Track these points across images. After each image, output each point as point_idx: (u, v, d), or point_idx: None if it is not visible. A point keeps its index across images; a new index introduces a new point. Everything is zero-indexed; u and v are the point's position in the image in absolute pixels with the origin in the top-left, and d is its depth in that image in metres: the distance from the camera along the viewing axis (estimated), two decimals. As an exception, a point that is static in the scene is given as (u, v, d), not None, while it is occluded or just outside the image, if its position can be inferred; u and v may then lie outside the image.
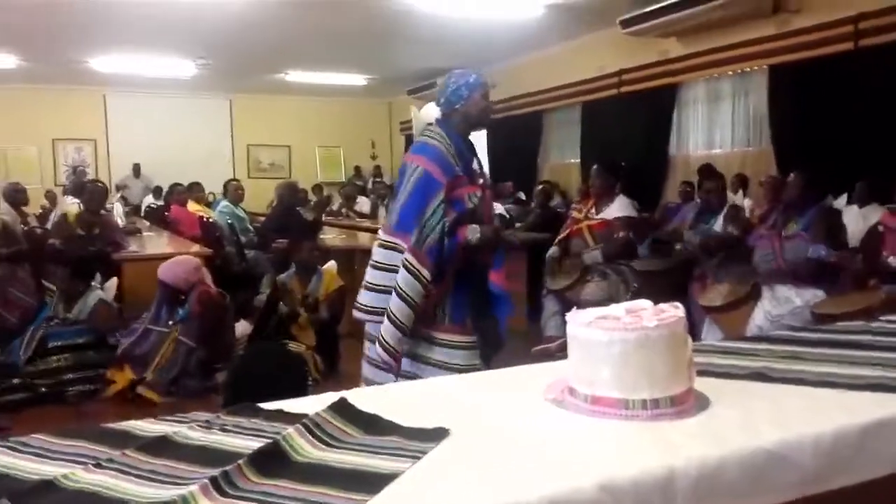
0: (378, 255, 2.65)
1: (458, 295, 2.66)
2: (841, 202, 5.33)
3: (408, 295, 2.52)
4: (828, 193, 4.08)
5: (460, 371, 2.55)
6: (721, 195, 4.67)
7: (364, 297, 2.67)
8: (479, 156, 2.78)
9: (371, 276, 2.66)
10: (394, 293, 2.53)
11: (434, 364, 2.62)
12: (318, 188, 11.92)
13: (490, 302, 2.74)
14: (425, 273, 2.51)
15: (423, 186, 2.55)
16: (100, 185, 5.83)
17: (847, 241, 3.93)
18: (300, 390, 1.65)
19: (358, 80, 11.25)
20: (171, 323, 4.29)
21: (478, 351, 2.68)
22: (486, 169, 2.86)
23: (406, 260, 2.52)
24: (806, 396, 1.36)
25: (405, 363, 2.63)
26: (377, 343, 2.56)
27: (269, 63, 10.35)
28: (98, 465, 1.10)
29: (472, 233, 2.58)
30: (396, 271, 2.53)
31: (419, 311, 2.55)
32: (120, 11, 7.04)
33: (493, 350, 2.78)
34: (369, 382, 2.62)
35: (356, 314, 2.71)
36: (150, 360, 4.15)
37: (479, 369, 2.61)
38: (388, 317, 2.53)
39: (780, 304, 3.56)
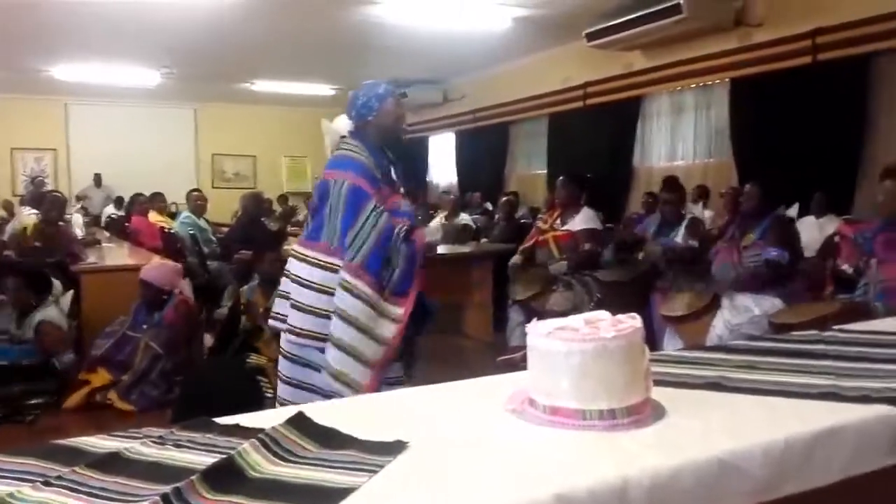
0: (309, 273, 2.56)
1: None
2: (793, 211, 5.46)
3: (351, 318, 2.44)
4: (781, 204, 4.18)
5: (387, 384, 2.51)
6: (679, 208, 4.75)
7: (295, 319, 2.56)
8: (397, 165, 2.73)
9: (301, 295, 2.56)
10: (337, 319, 2.45)
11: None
12: (283, 198, 11.86)
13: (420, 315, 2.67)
14: (363, 288, 2.44)
15: (352, 199, 2.50)
16: (58, 195, 5.71)
17: (801, 249, 4.02)
18: (256, 405, 1.63)
19: (325, 90, 11.23)
20: (144, 327, 4.26)
21: (400, 363, 2.63)
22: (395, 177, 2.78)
23: (343, 280, 2.46)
24: (760, 405, 1.38)
25: (321, 380, 2.52)
26: (336, 379, 2.46)
27: (235, 72, 10.29)
28: (46, 483, 1.07)
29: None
30: (324, 291, 2.49)
31: (384, 338, 2.47)
32: (82, 19, 6.94)
33: (411, 363, 2.73)
34: (284, 403, 2.51)
35: (271, 322, 2.65)
36: (130, 366, 4.12)
37: (403, 382, 2.61)
38: (344, 350, 2.45)
39: (740, 312, 3.63)
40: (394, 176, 2.70)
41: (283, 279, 2.69)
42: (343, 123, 2.71)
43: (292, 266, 2.63)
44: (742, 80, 6.43)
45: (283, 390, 2.62)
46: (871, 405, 1.33)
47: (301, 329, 2.55)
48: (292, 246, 2.74)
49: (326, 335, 2.48)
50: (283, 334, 2.63)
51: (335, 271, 2.49)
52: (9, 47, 8.32)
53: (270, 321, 2.68)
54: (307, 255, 2.58)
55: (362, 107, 2.62)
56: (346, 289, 2.45)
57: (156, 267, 4.49)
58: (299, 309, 2.55)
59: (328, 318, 2.48)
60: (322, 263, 2.54)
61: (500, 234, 7.01)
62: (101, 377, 4.13)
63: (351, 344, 2.45)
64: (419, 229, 2.59)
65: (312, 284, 2.53)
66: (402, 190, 2.71)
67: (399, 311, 2.51)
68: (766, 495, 1.17)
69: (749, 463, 1.15)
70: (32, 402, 3.99)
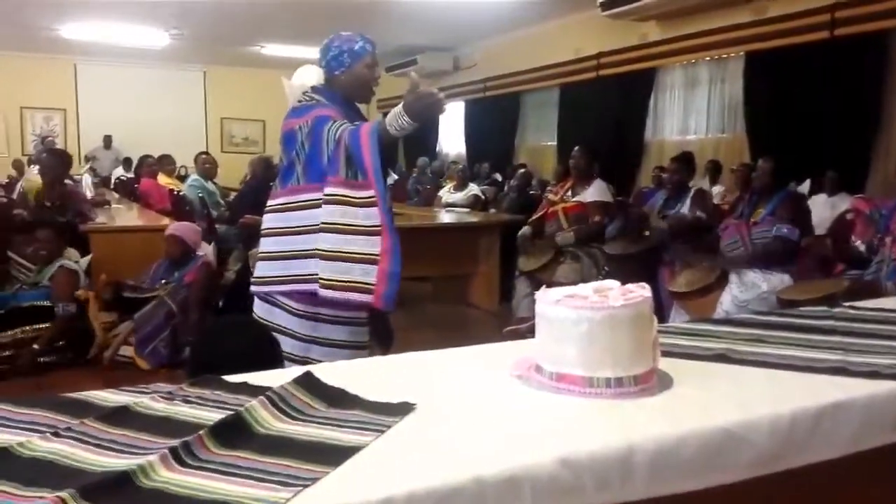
0: (270, 221, 2.50)
1: None
2: (804, 187, 5.42)
3: (332, 224, 2.32)
4: (791, 180, 4.14)
5: (350, 348, 2.45)
6: (685, 181, 4.73)
7: (258, 269, 2.52)
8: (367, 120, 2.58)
9: (262, 245, 2.51)
10: (324, 234, 2.33)
11: (322, 343, 2.47)
12: (293, 164, 11.81)
13: None
14: (335, 190, 2.31)
15: (320, 126, 2.34)
16: (55, 153, 5.68)
17: (811, 225, 4.00)
18: (273, 364, 1.63)
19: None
20: (163, 281, 4.31)
21: (366, 328, 2.52)
22: None
23: (324, 195, 2.33)
24: (767, 378, 1.38)
25: (291, 344, 2.43)
26: (332, 289, 2.33)
27: (245, 36, 10.20)
28: (55, 434, 1.08)
29: (387, 126, 2.24)
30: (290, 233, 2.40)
31: (367, 228, 2.31)
32: (91, -23, 6.88)
33: (385, 342, 2.64)
34: (294, 359, 2.37)
35: (252, 288, 2.57)
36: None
37: (367, 347, 2.52)
38: (332, 258, 2.32)
39: (748, 289, 3.62)
40: None
41: (261, 240, 2.59)
42: (306, 75, 2.57)
43: (266, 221, 2.54)
44: (757, 54, 6.34)
45: (291, 345, 2.49)
46: (880, 381, 1.33)
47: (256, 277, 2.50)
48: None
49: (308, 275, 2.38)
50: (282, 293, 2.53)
51: (310, 207, 2.39)
52: (17, 5, 8.26)
53: (252, 287, 2.58)
54: (283, 203, 2.49)
55: (333, 59, 2.48)
56: (326, 201, 2.34)
57: (184, 225, 4.64)
58: (292, 257, 2.46)
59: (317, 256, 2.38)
60: (295, 204, 2.44)
61: (510, 205, 6.99)
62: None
63: (340, 249, 2.32)
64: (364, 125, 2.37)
65: (295, 228, 2.44)
66: None
67: (370, 192, 2.31)
68: (771, 467, 1.17)
69: (755, 434, 1.15)
70: (46, 359, 4.02)
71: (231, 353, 1.78)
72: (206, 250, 4.70)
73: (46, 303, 4.18)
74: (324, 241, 2.35)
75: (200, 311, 4.30)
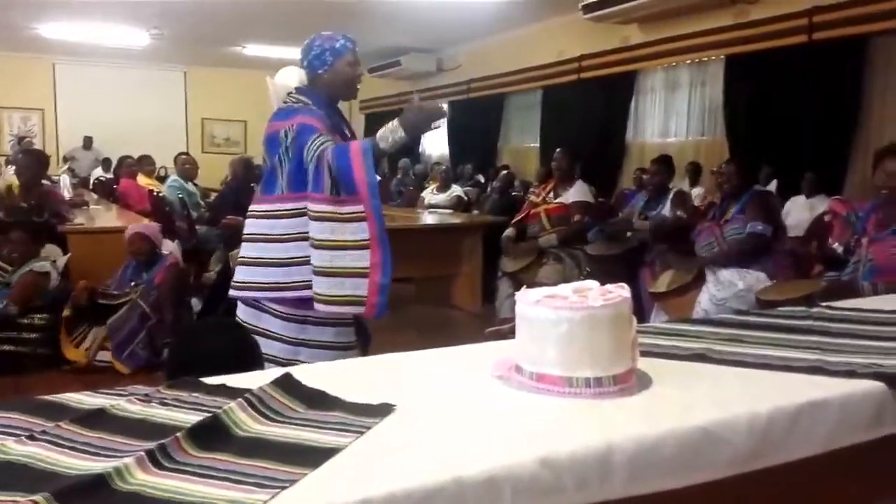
0: (250, 226, 2.50)
1: None
2: (771, 187, 5.50)
3: (321, 241, 2.33)
4: (757, 181, 4.24)
5: (338, 349, 2.46)
6: (664, 183, 4.78)
7: (238, 274, 2.53)
8: (349, 125, 2.63)
9: (243, 250, 2.51)
10: (315, 251, 2.34)
11: (311, 345, 2.47)
12: (274, 165, 11.76)
13: None
14: (321, 208, 2.31)
15: (303, 137, 2.34)
16: (31, 153, 5.62)
17: (782, 222, 4.06)
18: (252, 366, 1.61)
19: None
20: (132, 284, 4.26)
21: (353, 328, 2.53)
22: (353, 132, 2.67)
23: (310, 211, 2.34)
24: (745, 378, 1.39)
25: (278, 348, 2.46)
26: (332, 305, 2.35)
27: (226, 36, 10.14)
28: (31, 437, 1.06)
29: (380, 140, 2.28)
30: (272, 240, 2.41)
31: (358, 242, 2.32)
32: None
33: (363, 342, 2.64)
34: (279, 362, 2.36)
35: (231, 292, 2.57)
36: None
37: (354, 347, 2.54)
38: (326, 274, 2.33)
39: (724, 287, 3.65)
40: (346, 132, 2.58)
41: (243, 245, 2.57)
42: (288, 76, 2.57)
43: (249, 227, 2.54)
44: (737, 58, 6.40)
45: (279, 349, 2.49)
46: (857, 380, 1.34)
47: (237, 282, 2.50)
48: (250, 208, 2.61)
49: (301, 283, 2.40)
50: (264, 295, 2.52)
51: (294, 216, 2.39)
52: (-4, 3, 8.16)
53: (231, 291, 2.57)
54: (267, 210, 2.48)
55: (315, 58, 2.48)
56: (312, 217, 2.35)
57: (144, 224, 4.59)
58: (267, 265, 2.47)
59: (302, 264, 2.40)
60: (280, 212, 2.44)
61: (493, 207, 7.00)
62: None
63: (331, 265, 2.33)
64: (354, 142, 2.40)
65: (280, 236, 2.44)
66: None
67: (357, 207, 2.31)
68: (749, 465, 1.18)
69: (733, 433, 1.16)
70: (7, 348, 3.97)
71: (210, 354, 1.76)
72: (171, 248, 4.65)
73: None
74: (316, 257, 2.36)
75: (174, 311, 4.25)
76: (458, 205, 7.30)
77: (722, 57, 6.60)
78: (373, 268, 2.32)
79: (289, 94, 2.52)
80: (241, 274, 2.56)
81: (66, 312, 4.17)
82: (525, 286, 1.41)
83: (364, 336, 2.66)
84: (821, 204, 5.35)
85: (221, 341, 1.87)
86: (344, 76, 2.50)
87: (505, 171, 8.02)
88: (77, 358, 4.08)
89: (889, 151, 3.14)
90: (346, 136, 2.56)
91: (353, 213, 2.32)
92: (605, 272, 4.21)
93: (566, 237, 4.69)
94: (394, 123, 2.28)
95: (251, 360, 1.84)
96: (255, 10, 8.40)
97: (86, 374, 3.99)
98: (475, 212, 7.17)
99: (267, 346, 2.36)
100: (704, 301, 3.67)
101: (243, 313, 2.57)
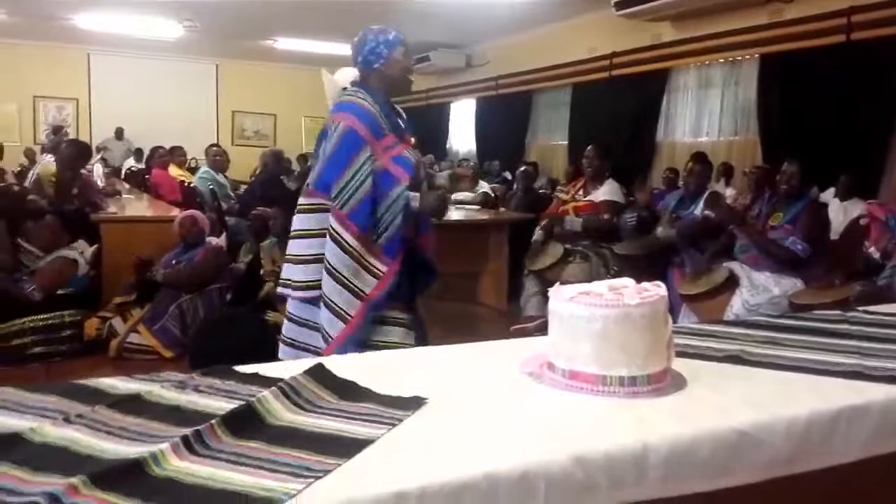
0: (297, 222, 2.44)
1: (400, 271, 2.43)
2: (827, 196, 5.36)
3: (334, 269, 2.29)
4: (814, 186, 4.05)
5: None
6: (704, 181, 4.70)
7: (289, 272, 2.46)
8: (404, 117, 2.60)
9: (292, 247, 2.45)
10: (324, 270, 2.32)
11: (365, 344, 2.39)
12: (302, 158, 11.83)
13: (416, 273, 2.54)
14: (348, 239, 2.28)
15: (346, 142, 2.33)
16: (75, 144, 5.71)
17: (829, 237, 3.93)
18: (269, 359, 1.62)
19: (347, 50, 11.02)
20: (174, 263, 4.35)
21: (412, 332, 2.48)
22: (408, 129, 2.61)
23: (330, 226, 2.31)
24: (781, 381, 1.36)
25: (289, 354, 2.42)
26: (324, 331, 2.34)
27: (258, 29, 10.20)
28: (67, 420, 1.08)
29: (412, 200, 2.38)
30: (321, 235, 2.35)
31: (363, 291, 2.31)
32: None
33: (421, 333, 2.58)
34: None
35: (279, 290, 2.53)
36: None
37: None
38: (323, 301, 2.33)
39: (759, 292, 3.59)
40: (402, 125, 2.56)
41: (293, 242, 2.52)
42: (345, 75, 2.57)
43: (294, 223, 2.51)
44: (772, 57, 6.29)
45: (283, 351, 2.48)
46: (896, 386, 1.31)
47: (297, 282, 2.44)
48: None
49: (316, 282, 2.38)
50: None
51: (317, 211, 2.38)
52: (33, -6, 8.30)
53: (279, 289, 2.55)
54: (301, 205, 2.47)
55: (370, 53, 2.46)
56: (332, 238, 2.32)
57: (198, 212, 4.79)
58: (295, 262, 2.45)
59: (317, 262, 2.38)
60: (306, 207, 2.43)
61: (518, 204, 6.97)
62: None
63: (329, 295, 2.32)
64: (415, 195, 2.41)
65: (301, 232, 2.43)
66: (412, 141, 2.56)
67: (383, 267, 2.34)
68: (787, 469, 1.16)
69: (770, 436, 1.14)
70: (39, 350, 4.01)
71: (228, 347, 1.77)
72: (219, 241, 4.76)
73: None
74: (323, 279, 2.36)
75: (207, 292, 4.28)
76: (485, 202, 7.28)
77: (756, 56, 6.48)
78: (373, 289, 2.34)
79: (344, 89, 2.52)
80: (293, 273, 2.47)
81: (118, 299, 4.26)
82: (551, 285, 1.39)
83: (421, 337, 2.59)
84: (854, 207, 5.23)
85: (240, 334, 1.88)
86: (400, 66, 2.50)
87: (524, 168, 7.96)
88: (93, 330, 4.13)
89: None
90: (402, 131, 2.53)
91: (376, 268, 2.35)
92: (633, 271, 4.15)
93: (591, 227, 4.61)
94: (418, 198, 2.39)
95: (268, 353, 1.85)
96: (287, 5, 8.44)
97: (117, 358, 4.03)
98: (502, 209, 7.15)
99: (316, 340, 2.38)
100: (737, 305, 3.60)
101: (298, 309, 2.48)
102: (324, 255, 2.35)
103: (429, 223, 2.57)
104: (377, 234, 2.35)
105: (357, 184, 2.31)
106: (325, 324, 2.34)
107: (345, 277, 2.31)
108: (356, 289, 2.32)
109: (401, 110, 2.63)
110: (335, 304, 2.32)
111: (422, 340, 2.51)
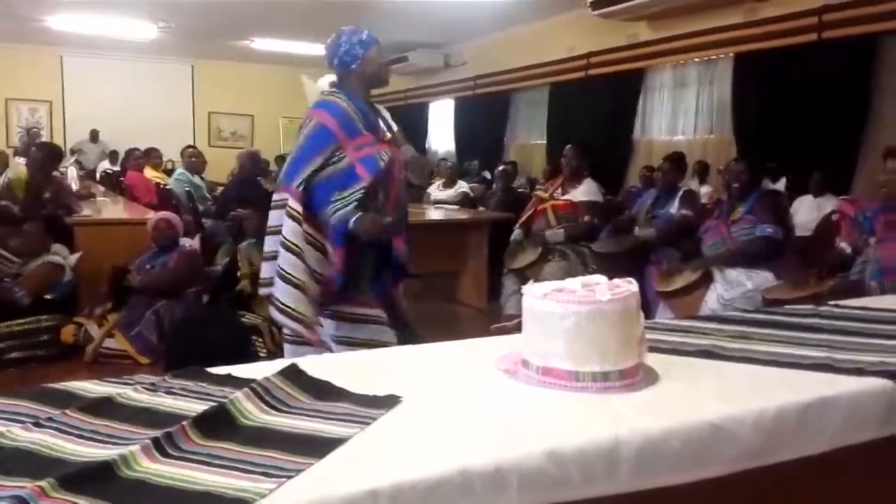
0: (269, 219, 2.50)
1: (363, 267, 2.51)
2: (780, 186, 5.46)
3: (291, 243, 2.36)
4: (766, 178, 4.19)
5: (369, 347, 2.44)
6: (677, 180, 4.75)
7: (263, 270, 2.51)
8: (385, 115, 2.64)
9: (266, 244, 2.51)
10: (280, 248, 2.39)
11: (338, 341, 2.46)
12: (280, 159, 11.75)
13: (384, 268, 2.60)
14: (301, 212, 2.37)
15: (315, 137, 2.43)
16: (46, 147, 5.64)
17: (791, 222, 4.03)
18: (247, 358, 1.62)
19: (324, 50, 11.07)
20: (149, 267, 4.30)
21: (386, 328, 2.52)
22: (394, 127, 2.65)
23: (288, 206, 2.38)
24: (752, 374, 1.38)
25: (291, 350, 2.48)
26: (283, 314, 2.40)
27: (234, 29, 10.13)
28: (37, 424, 1.07)
29: (352, 220, 2.40)
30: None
31: (314, 269, 2.40)
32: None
33: (407, 332, 2.62)
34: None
35: (260, 290, 2.56)
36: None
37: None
38: (279, 274, 2.39)
39: (732, 287, 3.63)
40: (381, 124, 2.59)
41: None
42: (326, 83, 2.64)
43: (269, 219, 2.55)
44: (746, 56, 6.36)
45: (287, 349, 2.53)
46: (865, 378, 1.34)
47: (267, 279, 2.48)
48: None
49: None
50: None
51: (285, 206, 2.42)
52: (4, -5, 8.18)
53: (260, 290, 2.57)
54: (273, 201, 2.51)
55: (345, 54, 2.52)
56: (289, 215, 2.39)
57: (172, 214, 4.73)
58: (268, 259, 2.49)
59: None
60: (276, 203, 2.46)
61: (497, 203, 6.99)
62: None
63: (294, 274, 2.38)
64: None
65: (273, 228, 2.47)
66: (390, 137, 2.58)
67: (329, 247, 2.43)
68: (757, 461, 1.17)
69: (740, 428, 1.16)
70: (16, 353, 3.96)
71: (206, 345, 1.77)
72: (192, 243, 4.70)
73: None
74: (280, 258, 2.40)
75: (183, 295, 4.25)
76: (465, 201, 7.28)
77: (731, 55, 6.55)
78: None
79: (322, 91, 2.59)
80: (265, 270, 2.52)
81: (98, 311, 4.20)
82: (531, 282, 1.40)
83: (409, 333, 2.63)
84: (828, 203, 5.31)
85: (217, 332, 1.88)
86: (375, 64, 2.55)
87: (503, 168, 7.98)
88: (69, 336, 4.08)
89: (890, 151, 3.13)
90: (378, 129, 2.56)
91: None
92: (612, 269, 4.17)
93: (574, 235, 4.66)
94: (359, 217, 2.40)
95: (245, 351, 1.86)
96: (264, 4, 8.39)
97: (93, 363, 3.98)
98: (481, 208, 7.16)
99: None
100: (712, 301, 3.65)
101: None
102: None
103: (400, 228, 2.57)
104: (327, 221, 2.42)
105: (322, 177, 2.39)
106: (283, 297, 2.38)
107: (298, 247, 2.37)
108: (311, 266, 2.40)
109: (382, 109, 2.66)
110: (291, 276, 2.38)
111: (408, 340, 2.51)
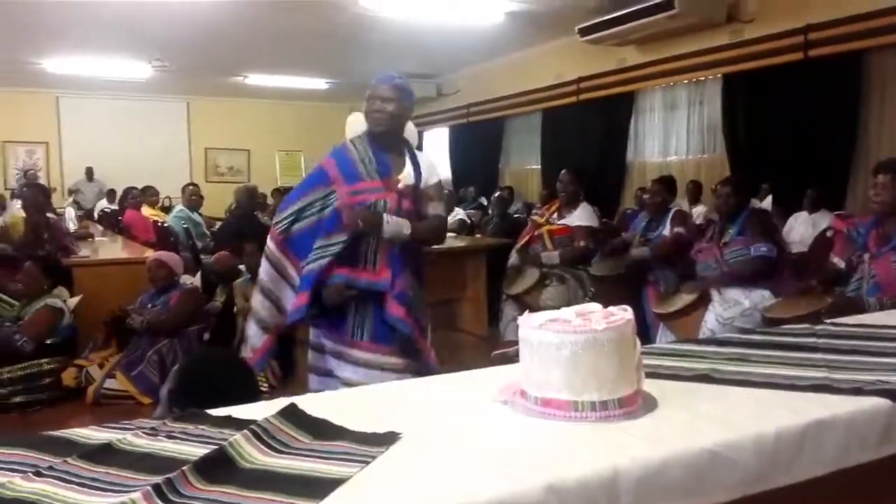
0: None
1: (376, 312, 2.54)
2: (766, 203, 5.50)
3: (261, 282, 2.56)
4: (752, 197, 4.25)
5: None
6: (664, 203, 4.77)
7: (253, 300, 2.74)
8: (420, 164, 2.61)
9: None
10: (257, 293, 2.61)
11: (346, 383, 2.47)
12: (277, 192, 11.80)
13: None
14: (275, 252, 2.54)
15: (310, 177, 2.62)
16: (34, 187, 5.67)
17: (782, 239, 4.06)
18: (250, 397, 1.62)
19: (319, 83, 11.18)
20: (150, 306, 4.30)
21: (377, 372, 2.52)
22: (421, 168, 2.63)
23: (266, 247, 2.57)
24: (751, 397, 1.38)
25: (315, 381, 2.61)
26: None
27: (228, 65, 10.23)
28: (38, 474, 1.07)
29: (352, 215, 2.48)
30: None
31: (281, 306, 2.56)
32: (73, 11, 6.90)
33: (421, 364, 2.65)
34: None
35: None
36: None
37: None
38: (253, 307, 2.62)
39: (730, 306, 3.64)
40: (408, 173, 2.57)
41: None
42: (355, 121, 2.69)
43: None
44: (734, 76, 6.44)
45: (311, 381, 2.65)
46: (863, 397, 1.34)
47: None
48: None
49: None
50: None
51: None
52: (0, 40, 8.26)
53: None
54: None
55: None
56: (265, 255, 2.59)
57: (166, 252, 4.78)
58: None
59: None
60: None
61: (495, 229, 7.02)
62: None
63: (256, 308, 2.59)
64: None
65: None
66: (403, 187, 2.54)
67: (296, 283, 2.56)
68: (757, 487, 1.17)
69: (740, 454, 1.16)
70: (20, 397, 3.95)
71: (210, 386, 1.77)
72: (193, 280, 4.70)
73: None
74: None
75: (181, 336, 4.24)
76: (462, 228, 7.32)
77: (719, 76, 6.64)
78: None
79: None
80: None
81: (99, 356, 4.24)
82: (529, 309, 1.41)
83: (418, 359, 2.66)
84: (823, 219, 5.34)
85: (221, 373, 1.88)
86: (366, 110, 2.59)
87: (499, 194, 8.02)
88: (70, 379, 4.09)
89: (880, 166, 3.16)
90: (388, 168, 2.56)
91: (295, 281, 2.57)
92: (610, 292, 4.20)
93: (569, 258, 4.68)
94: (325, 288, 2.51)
95: (250, 391, 1.86)
96: (256, 40, 8.49)
97: (94, 406, 3.97)
98: (478, 235, 7.18)
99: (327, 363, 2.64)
100: (710, 321, 3.65)
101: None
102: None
103: (405, 296, 2.60)
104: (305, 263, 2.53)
105: (308, 216, 2.52)
106: (250, 335, 2.59)
107: (267, 288, 2.56)
108: (276, 300, 2.58)
109: (422, 158, 2.65)
110: (258, 311, 2.59)
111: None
